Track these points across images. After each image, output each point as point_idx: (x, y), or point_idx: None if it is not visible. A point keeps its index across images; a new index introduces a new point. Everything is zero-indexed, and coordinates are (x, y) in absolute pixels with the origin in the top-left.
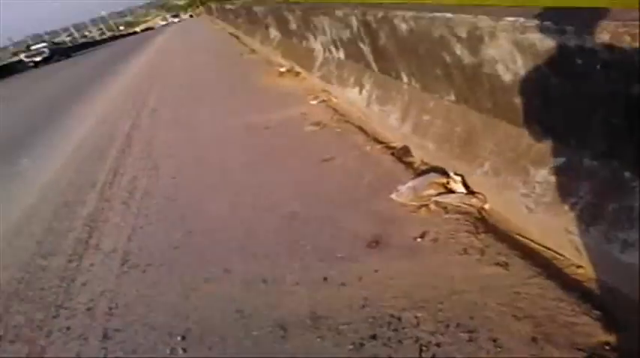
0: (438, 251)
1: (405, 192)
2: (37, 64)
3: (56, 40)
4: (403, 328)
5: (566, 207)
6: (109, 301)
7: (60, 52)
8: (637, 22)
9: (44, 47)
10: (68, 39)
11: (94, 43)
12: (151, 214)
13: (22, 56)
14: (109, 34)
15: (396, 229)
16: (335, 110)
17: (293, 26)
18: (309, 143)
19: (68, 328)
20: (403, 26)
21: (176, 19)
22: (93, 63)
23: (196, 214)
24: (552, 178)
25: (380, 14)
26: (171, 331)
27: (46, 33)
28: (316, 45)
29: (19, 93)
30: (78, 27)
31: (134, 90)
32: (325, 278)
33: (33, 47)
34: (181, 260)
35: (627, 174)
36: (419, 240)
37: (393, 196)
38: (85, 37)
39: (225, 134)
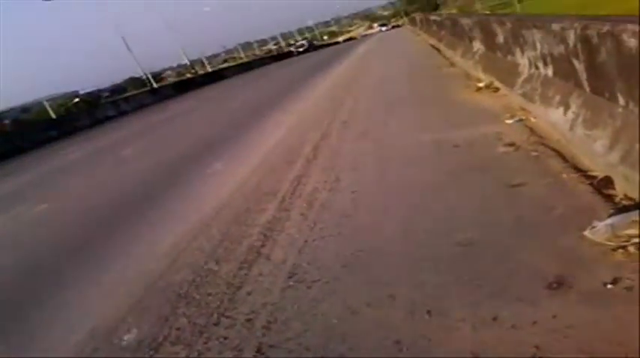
0: (630, 301)
1: (601, 229)
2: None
3: (264, 48)
4: None
5: None
6: (268, 314)
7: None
8: None
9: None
10: (274, 47)
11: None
12: (326, 228)
13: (291, 48)
14: (306, 44)
15: (584, 271)
16: (532, 131)
17: (500, 39)
18: (499, 165)
19: (226, 338)
20: (631, 42)
21: (384, 28)
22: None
23: (370, 233)
24: None
25: (605, 28)
26: (325, 354)
27: (256, 41)
28: (522, 60)
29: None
30: (285, 36)
31: (328, 99)
32: (495, 318)
33: (298, 43)
34: (347, 280)
35: None
36: (609, 286)
37: (587, 233)
38: (290, 45)
39: (411, 150)
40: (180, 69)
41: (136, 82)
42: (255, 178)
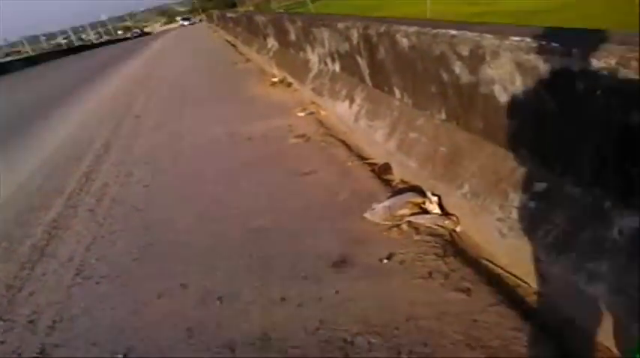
0: (402, 273)
1: (379, 211)
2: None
3: (52, 42)
4: (355, 354)
5: (540, 234)
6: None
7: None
8: None
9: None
10: (64, 41)
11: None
12: (115, 223)
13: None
14: (106, 37)
15: (364, 249)
16: (322, 123)
17: (292, 37)
18: (290, 156)
19: (2, 342)
20: (404, 41)
21: (186, 22)
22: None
23: (162, 225)
24: (531, 204)
25: (382, 28)
26: (114, 348)
27: (44, 34)
28: (313, 57)
29: None
30: (76, 30)
31: (122, 93)
32: (283, 299)
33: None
34: (138, 273)
35: (608, 203)
36: (385, 261)
37: (367, 215)
38: (82, 40)
39: (206, 143)
40: None
41: None
42: None
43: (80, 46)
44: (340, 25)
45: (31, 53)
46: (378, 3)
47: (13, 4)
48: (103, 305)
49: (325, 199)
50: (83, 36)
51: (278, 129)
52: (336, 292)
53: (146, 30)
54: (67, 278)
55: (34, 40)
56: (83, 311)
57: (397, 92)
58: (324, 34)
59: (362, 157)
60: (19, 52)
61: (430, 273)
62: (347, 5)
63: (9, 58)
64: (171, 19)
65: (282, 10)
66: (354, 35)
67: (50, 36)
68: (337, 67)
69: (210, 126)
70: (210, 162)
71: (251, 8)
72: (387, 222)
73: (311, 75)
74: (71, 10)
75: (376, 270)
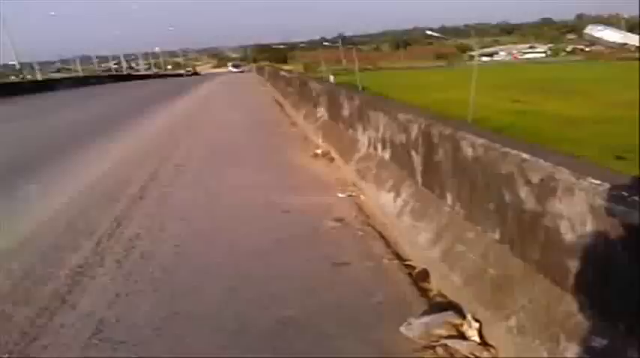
0: None
1: (415, 327)
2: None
3: (103, 65)
4: None
5: None
6: None
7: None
8: None
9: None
10: (114, 67)
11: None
12: (141, 282)
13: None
14: (154, 70)
15: None
16: (361, 209)
17: (345, 112)
18: (326, 240)
19: None
20: (469, 151)
21: (235, 69)
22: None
23: (189, 294)
24: None
25: (447, 131)
26: None
27: (97, 57)
28: (362, 138)
29: None
30: (128, 57)
31: (165, 135)
32: None
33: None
34: (157, 346)
35: None
36: None
37: (402, 329)
38: (132, 68)
39: (243, 208)
40: (4, 69)
41: None
42: None
43: (128, 74)
44: (401, 116)
45: (81, 73)
46: (427, 83)
47: (71, 23)
48: None
49: (358, 299)
50: (133, 64)
51: (316, 206)
52: None
53: (196, 69)
54: (83, 336)
55: (86, 60)
56: None
57: (449, 198)
58: (380, 119)
59: (400, 256)
60: (69, 69)
61: None
62: (388, 81)
63: (59, 75)
64: (221, 63)
65: (331, 74)
66: (414, 129)
67: (102, 59)
68: (387, 155)
69: (249, 190)
70: (245, 231)
71: (300, 66)
72: (421, 341)
73: (357, 155)
74: (127, 37)
75: None
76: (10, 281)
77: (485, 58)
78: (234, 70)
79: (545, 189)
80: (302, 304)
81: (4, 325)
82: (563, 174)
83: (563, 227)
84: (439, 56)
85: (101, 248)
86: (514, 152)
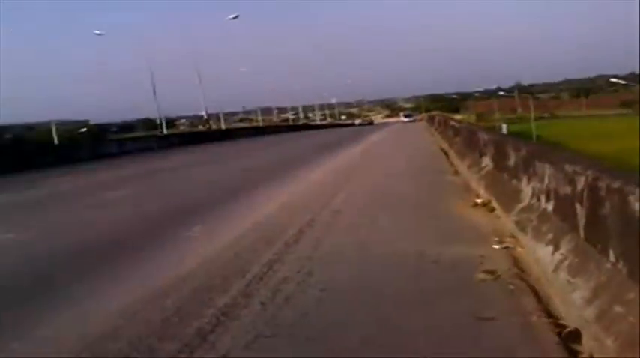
0: None
1: None
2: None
3: (282, 115)
4: None
5: None
6: None
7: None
8: None
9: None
10: (292, 117)
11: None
12: (281, 327)
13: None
14: (329, 120)
15: None
16: (516, 262)
17: (510, 162)
18: (473, 293)
19: None
20: (636, 205)
21: (405, 119)
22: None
23: (320, 342)
24: None
25: (615, 185)
26: None
27: (276, 108)
28: (526, 188)
29: None
30: (305, 107)
31: (330, 179)
32: None
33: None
34: None
35: None
36: None
37: None
38: (308, 118)
39: (389, 258)
40: (194, 119)
41: (147, 123)
42: None
43: (304, 124)
44: (567, 168)
45: (261, 123)
46: (607, 132)
47: (256, 78)
48: None
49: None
50: (310, 114)
51: (468, 257)
52: None
53: (372, 119)
54: None
55: (267, 111)
56: None
57: (612, 255)
58: (546, 169)
59: (550, 314)
60: (251, 120)
61: None
62: (565, 130)
63: (241, 124)
64: (394, 113)
65: (503, 124)
66: (580, 182)
67: (282, 110)
68: (550, 207)
69: (401, 239)
70: (390, 281)
71: (473, 115)
72: None
73: (519, 206)
74: (306, 90)
75: None
76: (160, 317)
77: None
78: (406, 119)
79: None
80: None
81: None
82: None
83: None
84: (624, 104)
85: (249, 290)
86: None
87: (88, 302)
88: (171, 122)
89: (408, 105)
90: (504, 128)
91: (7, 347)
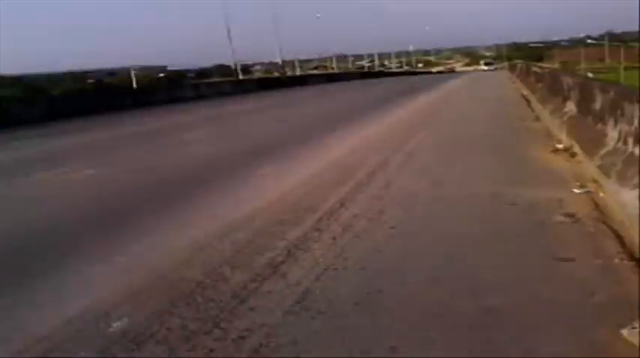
0: None
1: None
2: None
3: (357, 63)
4: None
5: None
6: None
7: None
8: None
9: None
10: (367, 64)
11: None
12: (349, 260)
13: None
14: (406, 68)
15: None
16: (597, 206)
17: (596, 106)
18: (551, 234)
19: None
20: None
21: (485, 67)
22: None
23: (390, 276)
24: None
25: None
26: None
27: (352, 55)
28: (612, 132)
29: None
30: (381, 55)
31: (401, 131)
32: None
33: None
34: (351, 321)
35: None
36: None
37: (624, 332)
38: (384, 66)
39: (463, 199)
40: (269, 66)
41: (223, 69)
42: None
43: (380, 71)
44: None
45: (335, 71)
46: None
47: (333, 25)
48: None
49: (576, 297)
50: (386, 62)
51: (547, 201)
52: None
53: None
54: (287, 303)
55: (342, 58)
56: None
57: None
58: (636, 111)
59: (635, 258)
60: (325, 67)
61: None
62: None
63: (315, 71)
64: (473, 62)
65: (590, 73)
66: None
67: (357, 57)
68: (637, 151)
69: (476, 180)
70: (463, 220)
71: (557, 65)
72: None
73: (603, 151)
74: (384, 37)
75: None
76: (233, 249)
77: None
78: (486, 68)
79: None
80: (509, 295)
81: (219, 286)
82: None
83: None
84: None
85: (320, 225)
86: None
87: (164, 233)
88: (246, 69)
89: (488, 54)
90: (590, 76)
91: (88, 270)
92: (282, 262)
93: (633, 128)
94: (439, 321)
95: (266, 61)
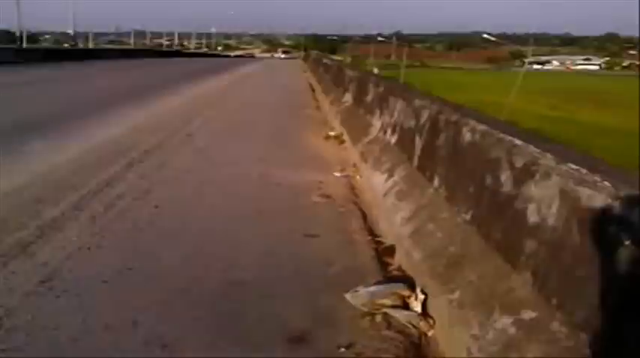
0: None
1: (361, 295)
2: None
3: (155, 41)
4: None
5: None
6: None
7: None
8: None
9: None
10: (166, 43)
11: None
12: (108, 238)
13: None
14: (204, 49)
15: (328, 331)
16: (353, 188)
17: (368, 98)
18: (305, 213)
19: None
20: (467, 136)
21: (283, 56)
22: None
23: (145, 255)
24: (511, 329)
25: (453, 117)
26: None
27: (151, 32)
28: (377, 122)
29: None
30: (182, 34)
31: (184, 113)
32: None
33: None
34: (96, 299)
35: (587, 351)
36: (342, 350)
37: (347, 296)
38: (183, 46)
39: (237, 177)
40: (61, 37)
41: (5, 35)
42: None
43: (177, 51)
44: (416, 102)
45: (132, 46)
46: (469, 84)
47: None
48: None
49: (316, 269)
50: (185, 42)
51: (309, 183)
52: None
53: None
54: (31, 283)
55: (140, 34)
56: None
57: (437, 181)
58: (398, 105)
59: (373, 233)
60: (122, 42)
61: None
62: (432, 79)
63: (110, 46)
64: (272, 49)
65: (376, 69)
66: (424, 115)
67: (156, 35)
68: (393, 140)
69: (249, 162)
70: (229, 200)
71: (348, 58)
72: (364, 308)
73: (366, 139)
74: (185, 17)
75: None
76: None
77: (536, 66)
78: (283, 56)
79: (526, 173)
80: (259, 269)
81: None
82: (546, 159)
83: (530, 209)
84: (490, 60)
85: (81, 204)
86: (508, 138)
87: None
88: (34, 37)
89: (288, 43)
90: (375, 71)
91: None
92: (32, 242)
93: (393, 120)
94: (185, 296)
95: (58, 30)
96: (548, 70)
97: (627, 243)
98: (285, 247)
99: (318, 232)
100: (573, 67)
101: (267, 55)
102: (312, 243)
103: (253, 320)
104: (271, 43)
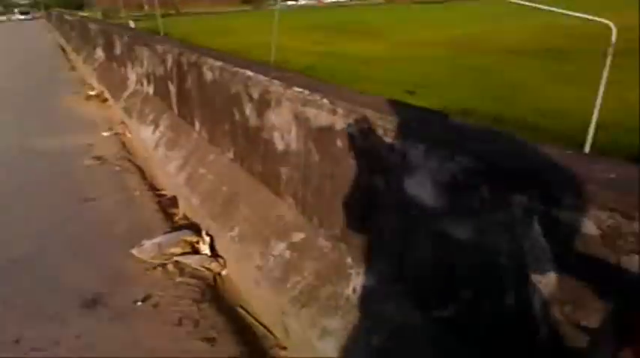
0: (152, 318)
1: (148, 248)
2: None
3: None
4: None
5: (289, 285)
6: None
7: None
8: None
9: None
10: None
11: None
12: None
13: None
14: None
15: (121, 289)
16: (124, 146)
17: (117, 51)
18: (80, 179)
19: None
20: (209, 74)
21: (22, 17)
22: None
23: None
24: (286, 254)
25: (193, 58)
26: None
27: None
28: (132, 75)
29: None
30: None
31: None
32: (17, 341)
33: None
34: None
35: (349, 260)
36: (139, 303)
37: (134, 251)
38: None
39: None
40: None
41: None
42: None
43: None
44: (159, 48)
45: None
46: (232, 28)
47: None
48: None
49: (100, 230)
50: None
51: (77, 147)
52: (77, 336)
53: None
54: None
55: None
56: None
57: (197, 125)
58: (145, 53)
59: (153, 187)
60: None
61: (180, 320)
62: (193, 27)
63: None
64: (7, 11)
65: (130, 21)
66: (169, 60)
67: None
68: (151, 90)
69: (6, 134)
70: None
71: (99, 13)
72: (154, 261)
73: (126, 93)
74: None
75: (126, 314)
76: None
77: (290, 2)
78: (22, 17)
79: (263, 104)
80: (40, 241)
81: None
82: (275, 87)
83: (276, 137)
84: (246, 1)
85: None
86: (242, 71)
87: None
88: None
89: (23, 2)
90: (132, 25)
91: None
92: None
93: (145, 69)
94: None
95: None
96: (302, 5)
97: (352, 153)
98: (64, 215)
99: (97, 195)
100: (325, 1)
101: (4, 18)
102: (92, 207)
103: (43, 294)
104: (4, 3)
